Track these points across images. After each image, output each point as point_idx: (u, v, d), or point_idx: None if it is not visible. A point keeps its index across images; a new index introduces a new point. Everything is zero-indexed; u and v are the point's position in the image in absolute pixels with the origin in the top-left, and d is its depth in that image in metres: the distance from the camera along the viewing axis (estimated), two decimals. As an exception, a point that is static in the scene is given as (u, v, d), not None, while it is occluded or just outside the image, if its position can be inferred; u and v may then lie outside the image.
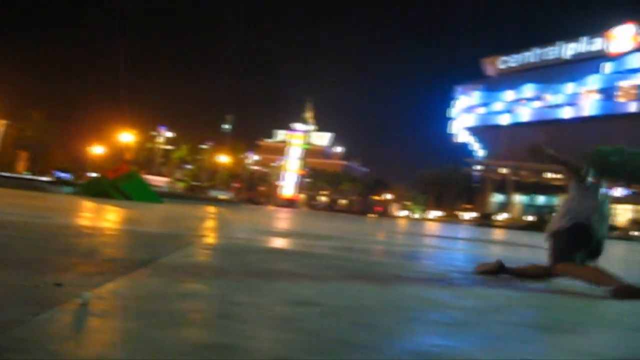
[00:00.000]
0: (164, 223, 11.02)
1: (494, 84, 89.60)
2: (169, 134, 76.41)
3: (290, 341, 2.16)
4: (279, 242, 8.20)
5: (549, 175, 69.99)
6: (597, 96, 75.78)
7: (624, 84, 73.18)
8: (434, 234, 19.22)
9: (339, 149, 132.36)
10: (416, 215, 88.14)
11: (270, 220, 18.97)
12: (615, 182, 57.24)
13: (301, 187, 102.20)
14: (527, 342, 2.54)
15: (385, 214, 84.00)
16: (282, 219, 21.48)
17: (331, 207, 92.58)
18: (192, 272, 3.83)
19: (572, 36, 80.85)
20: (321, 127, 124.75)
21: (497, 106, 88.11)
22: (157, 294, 2.88)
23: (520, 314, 3.43)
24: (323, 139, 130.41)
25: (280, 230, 12.50)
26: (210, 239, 7.45)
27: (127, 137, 61.41)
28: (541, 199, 78.56)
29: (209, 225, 11.27)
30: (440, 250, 10.40)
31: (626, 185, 57.61)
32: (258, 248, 6.57)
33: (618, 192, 59.19)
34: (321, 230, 13.66)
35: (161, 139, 75.05)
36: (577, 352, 2.41)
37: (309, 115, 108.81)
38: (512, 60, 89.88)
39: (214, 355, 1.84)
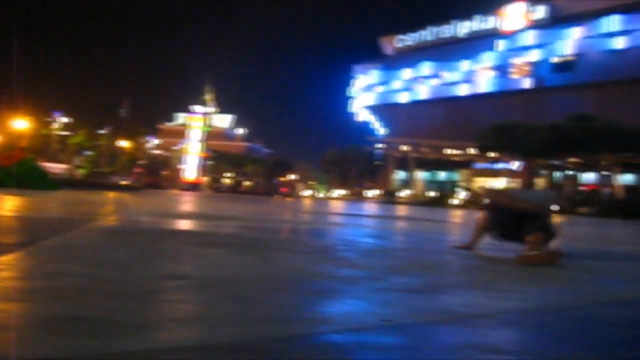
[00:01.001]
0: (57, 209, 10.95)
1: (392, 63, 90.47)
2: (65, 120, 73.49)
3: (147, 312, 2.23)
4: (175, 224, 8.20)
5: (449, 151, 71.57)
6: (492, 73, 77.90)
7: (517, 60, 75.47)
8: (335, 212, 19.62)
9: (241, 131, 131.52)
10: (320, 195, 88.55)
11: (171, 203, 19.26)
12: (511, 156, 59.13)
13: (204, 170, 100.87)
14: (392, 306, 2.71)
15: (289, 194, 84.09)
16: (184, 202, 21.70)
17: (235, 189, 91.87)
18: (72, 254, 3.85)
19: (466, 14, 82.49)
20: (222, 109, 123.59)
21: (396, 84, 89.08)
22: (31, 273, 3.01)
23: (394, 281, 3.60)
24: (224, 121, 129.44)
25: (180, 212, 12.66)
26: (102, 222, 7.40)
27: (21, 124, 58.62)
28: (442, 175, 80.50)
29: (104, 210, 11.30)
30: (337, 227, 10.63)
31: (522, 159, 59.45)
32: (150, 229, 6.62)
33: (514, 166, 61.17)
34: (223, 212, 13.84)
35: (57, 125, 72.10)
36: (435, 313, 2.61)
37: (209, 97, 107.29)
38: (409, 39, 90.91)
39: (64, 326, 1.89)
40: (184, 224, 8.36)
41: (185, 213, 12.24)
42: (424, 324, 2.42)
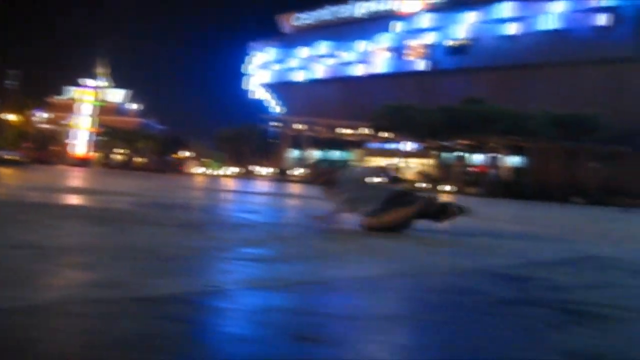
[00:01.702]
0: None
1: (290, 41, 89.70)
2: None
3: None
4: (50, 198, 7.94)
5: (343, 131, 71.27)
6: (388, 54, 78.14)
7: (413, 42, 75.97)
8: (223, 189, 19.70)
9: (135, 106, 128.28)
10: (214, 173, 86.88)
11: (55, 178, 18.77)
12: (405, 137, 59.36)
13: (95, 145, 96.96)
14: (228, 274, 2.84)
15: (183, 171, 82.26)
16: (69, 177, 21.29)
17: (127, 165, 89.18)
18: None
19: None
20: (116, 84, 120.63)
21: (293, 63, 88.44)
22: None
23: (243, 252, 3.69)
24: (118, 95, 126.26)
25: (60, 187, 12.27)
26: None
27: None
28: (336, 154, 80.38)
29: None
30: (218, 203, 10.93)
31: (415, 139, 59.83)
32: (17, 203, 6.56)
33: (408, 146, 61.45)
34: (108, 187, 13.67)
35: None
36: (268, 280, 2.70)
37: (101, 71, 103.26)
38: (307, 17, 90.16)
39: None
40: (58, 198, 8.16)
41: (64, 188, 11.85)
42: (248, 290, 2.50)
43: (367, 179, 5.87)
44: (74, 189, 11.65)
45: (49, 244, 3.28)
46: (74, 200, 7.93)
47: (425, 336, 1.94)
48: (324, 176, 6.02)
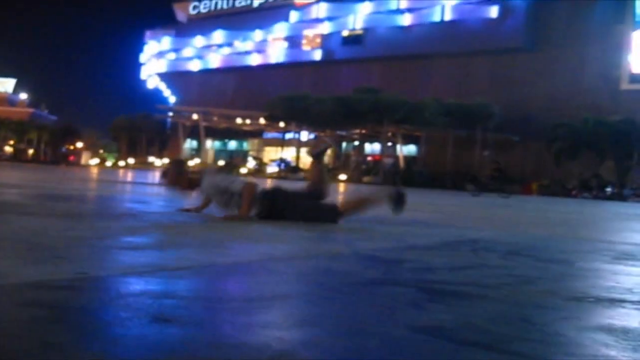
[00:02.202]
0: None
1: (185, 30, 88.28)
2: None
3: None
4: None
5: (239, 121, 70.66)
6: (284, 44, 78.03)
7: (309, 32, 76.11)
8: (116, 180, 19.49)
9: (24, 96, 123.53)
10: (108, 164, 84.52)
11: None
12: (301, 126, 59.43)
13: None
14: (100, 261, 2.83)
15: (76, 162, 79.54)
16: None
17: (18, 157, 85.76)
18: None
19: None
20: (3, 73, 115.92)
21: (188, 52, 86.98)
22: None
23: (121, 240, 3.67)
24: (6, 84, 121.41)
25: None
26: None
27: None
28: (232, 144, 79.80)
29: None
30: (110, 194, 10.77)
31: (310, 129, 60.03)
32: None
33: (304, 135, 61.50)
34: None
35: None
36: (138, 266, 2.66)
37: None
38: (203, 6, 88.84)
39: None
40: None
41: None
42: (119, 277, 2.46)
43: (224, 182, 5.81)
44: None
45: None
46: None
47: (283, 315, 2.00)
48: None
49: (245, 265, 3.03)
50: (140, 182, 18.39)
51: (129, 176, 26.90)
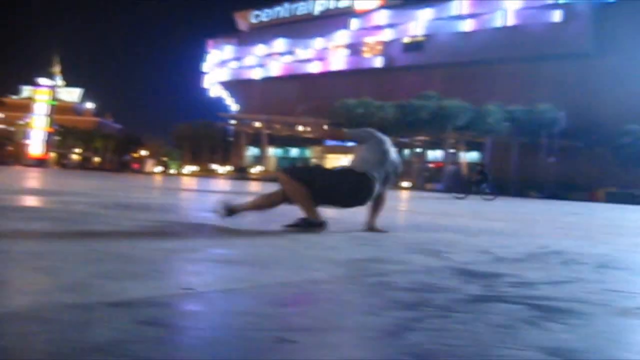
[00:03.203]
0: None
1: (246, 39, 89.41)
2: None
3: None
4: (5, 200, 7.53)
5: (301, 128, 71.05)
6: (345, 51, 78.21)
7: (370, 39, 76.13)
8: (184, 188, 19.18)
9: (90, 105, 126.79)
10: (172, 171, 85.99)
11: (10, 179, 17.82)
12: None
13: (51, 145, 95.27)
14: (202, 274, 2.76)
15: (140, 170, 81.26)
16: (22, 178, 20.27)
17: (84, 165, 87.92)
18: None
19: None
20: (70, 83, 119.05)
21: (250, 60, 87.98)
22: None
23: (212, 252, 3.57)
24: (72, 94, 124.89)
25: (23, 188, 11.92)
26: None
27: None
28: (294, 152, 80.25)
29: None
30: (180, 202, 10.60)
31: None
32: None
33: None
34: (59, 187, 13.16)
35: None
36: (240, 280, 2.62)
37: (56, 70, 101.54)
38: (264, 15, 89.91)
39: None
40: (17, 200, 7.76)
41: (22, 189, 11.31)
42: (222, 291, 2.38)
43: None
44: (32, 190, 11.31)
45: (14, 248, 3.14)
46: (33, 201, 7.58)
47: (402, 340, 1.80)
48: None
49: (341, 280, 2.85)
50: (206, 190, 18.46)
51: (194, 184, 26.97)
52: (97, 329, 1.65)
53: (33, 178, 20.77)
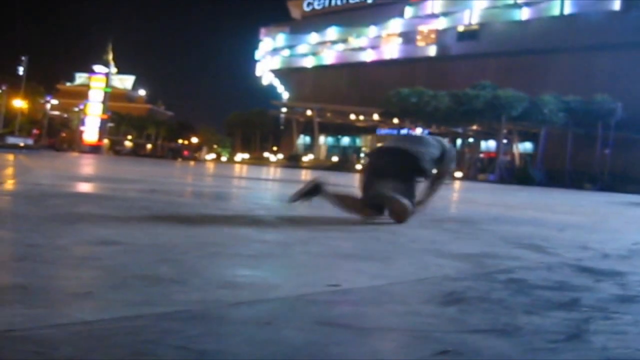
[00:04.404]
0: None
1: (299, 27, 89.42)
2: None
3: (91, 278, 2.15)
4: (83, 187, 8.01)
5: (353, 117, 71.27)
6: (399, 40, 77.90)
7: (424, 28, 75.69)
8: (240, 176, 19.39)
9: (143, 93, 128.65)
10: (224, 158, 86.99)
11: (74, 166, 18.42)
12: (416, 122, 59.36)
13: (105, 132, 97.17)
14: (331, 269, 2.72)
15: (192, 157, 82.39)
16: (86, 164, 21.07)
17: (137, 152, 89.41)
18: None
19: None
20: (123, 70, 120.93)
21: (302, 49, 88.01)
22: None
23: (325, 244, 3.54)
24: (125, 81, 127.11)
25: (84, 175, 12.25)
26: (8, 185, 7.07)
27: None
28: (345, 140, 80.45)
29: (6, 173, 10.62)
30: (245, 190, 10.81)
31: (424, 125, 59.83)
32: (60, 193, 6.33)
33: (418, 131, 61.35)
34: (125, 174, 13.31)
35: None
36: (376, 276, 2.59)
37: (109, 57, 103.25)
38: (317, 3, 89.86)
39: (9, 296, 1.79)
40: (95, 187, 8.05)
41: (92, 176, 11.68)
42: (367, 288, 2.34)
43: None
44: (105, 177, 11.35)
45: (122, 240, 3.09)
46: (114, 190, 7.50)
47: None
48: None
49: (474, 277, 2.78)
50: (261, 178, 18.44)
51: (252, 172, 26.92)
52: (283, 330, 1.65)
53: (93, 165, 21.29)
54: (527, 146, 61.05)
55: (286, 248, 3.29)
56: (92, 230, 3.44)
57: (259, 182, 15.31)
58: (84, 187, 7.98)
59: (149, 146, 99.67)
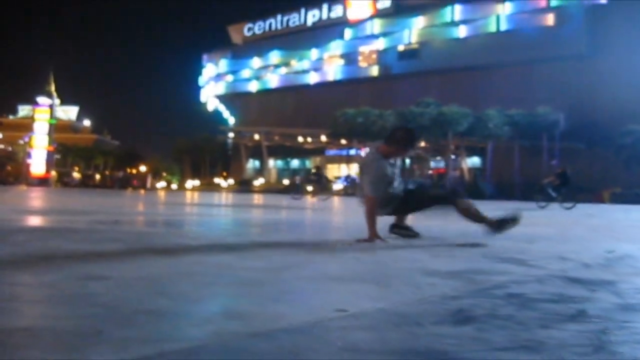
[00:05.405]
0: None
1: (241, 52, 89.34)
2: None
3: (93, 315, 2.10)
4: (43, 221, 7.96)
5: (301, 139, 71.56)
6: (341, 61, 78.64)
7: (364, 49, 76.59)
8: (196, 203, 19.30)
9: (87, 123, 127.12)
10: (174, 186, 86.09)
11: (25, 199, 18.14)
12: (364, 142, 59.88)
13: (52, 164, 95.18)
14: (329, 293, 2.78)
15: (142, 186, 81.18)
16: (38, 197, 20.66)
17: (86, 182, 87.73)
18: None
19: (314, 3, 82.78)
20: (66, 100, 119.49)
21: (245, 73, 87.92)
22: None
23: (311, 268, 3.60)
24: (69, 112, 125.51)
25: (39, 208, 12.18)
26: None
27: None
28: (295, 163, 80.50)
29: None
30: (208, 217, 10.69)
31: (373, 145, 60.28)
32: (22, 228, 6.35)
33: (366, 151, 61.89)
34: (80, 206, 13.25)
35: None
36: (377, 298, 2.63)
37: (52, 87, 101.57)
38: (257, 27, 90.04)
39: (18, 340, 1.75)
40: (52, 220, 7.83)
41: (45, 209, 11.53)
42: (373, 312, 2.35)
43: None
44: (59, 210, 11.14)
45: (110, 274, 3.06)
46: (74, 222, 7.25)
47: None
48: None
49: (472, 294, 2.83)
50: (204, 204, 18.12)
51: (204, 198, 26.49)
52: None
53: (45, 197, 20.84)
54: (475, 161, 62.19)
55: (275, 274, 3.30)
56: (75, 265, 3.41)
57: (216, 208, 15.25)
58: (44, 221, 7.92)
59: (97, 176, 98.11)
